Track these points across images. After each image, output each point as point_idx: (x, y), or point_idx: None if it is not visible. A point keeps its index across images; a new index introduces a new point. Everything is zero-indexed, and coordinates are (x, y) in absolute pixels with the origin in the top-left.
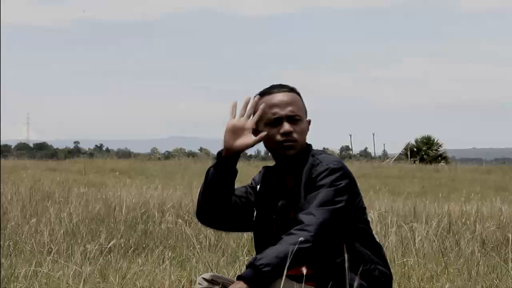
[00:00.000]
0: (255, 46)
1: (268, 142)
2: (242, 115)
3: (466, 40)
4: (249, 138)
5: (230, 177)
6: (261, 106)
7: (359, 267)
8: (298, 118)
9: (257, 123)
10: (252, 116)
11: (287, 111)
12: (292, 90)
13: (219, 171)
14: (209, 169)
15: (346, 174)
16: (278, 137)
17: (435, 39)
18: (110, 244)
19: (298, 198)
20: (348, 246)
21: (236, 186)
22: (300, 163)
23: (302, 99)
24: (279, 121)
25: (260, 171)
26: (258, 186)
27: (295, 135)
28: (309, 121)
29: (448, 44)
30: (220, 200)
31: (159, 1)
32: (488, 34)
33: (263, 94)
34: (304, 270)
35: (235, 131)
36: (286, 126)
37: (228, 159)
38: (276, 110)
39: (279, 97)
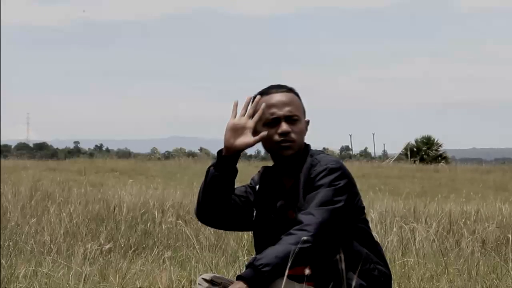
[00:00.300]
0: (255, 46)
1: (266, 142)
2: (243, 115)
3: (466, 40)
4: (249, 137)
5: (230, 176)
6: (262, 106)
7: (359, 266)
8: (296, 118)
9: (256, 123)
10: (253, 116)
11: (285, 111)
12: (290, 90)
13: (219, 170)
14: (209, 168)
15: (345, 174)
16: (276, 137)
17: (435, 39)
18: (107, 246)
19: (297, 198)
20: (347, 245)
21: (235, 186)
22: (298, 163)
23: (300, 99)
24: (277, 121)
25: (259, 171)
26: (257, 186)
27: (293, 135)
28: (308, 121)
29: (448, 44)
30: (219, 199)
31: (159, 1)
32: (489, 34)
33: (261, 94)
34: (307, 271)
35: (235, 130)
36: (284, 126)
37: (228, 158)
38: (274, 110)
39: (277, 97)
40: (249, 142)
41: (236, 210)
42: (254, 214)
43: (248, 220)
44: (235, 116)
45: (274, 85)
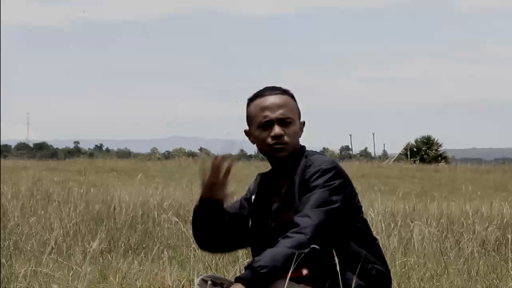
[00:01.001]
0: (255, 46)
1: (260, 145)
2: (214, 172)
3: (466, 40)
4: (225, 192)
5: (216, 216)
6: (230, 163)
7: (356, 267)
8: (289, 121)
9: (250, 126)
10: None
11: (277, 114)
12: (285, 92)
13: (203, 213)
14: (194, 209)
15: (339, 173)
16: (269, 140)
17: (435, 39)
18: (94, 245)
19: (292, 200)
20: (344, 246)
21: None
22: (293, 165)
23: (295, 101)
24: (270, 124)
25: (255, 179)
26: (253, 196)
27: (286, 138)
28: (303, 123)
29: (448, 44)
30: (211, 233)
31: (159, 1)
32: (489, 34)
33: (256, 96)
34: (305, 271)
35: (210, 189)
36: (277, 129)
37: (209, 205)
38: (267, 113)
39: (271, 99)
40: (226, 196)
41: (232, 232)
42: (250, 223)
43: (245, 236)
44: (205, 176)
45: (269, 87)
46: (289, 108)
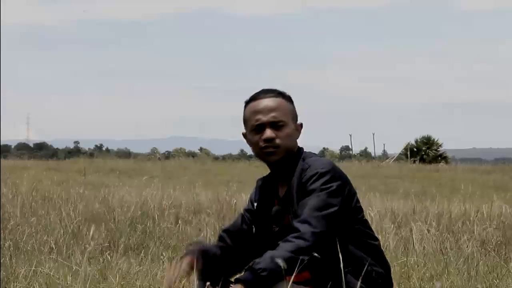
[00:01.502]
0: (256, 46)
1: (254, 148)
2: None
3: (466, 40)
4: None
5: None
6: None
7: (355, 269)
8: (281, 124)
9: (246, 128)
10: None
11: (269, 117)
12: (279, 94)
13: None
14: None
15: (335, 176)
16: (261, 144)
17: (435, 39)
18: (90, 248)
19: (291, 203)
20: (343, 248)
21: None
22: (290, 168)
23: (292, 103)
24: (262, 127)
25: (256, 185)
26: (256, 203)
27: (277, 141)
28: (301, 125)
29: (449, 44)
30: (218, 270)
31: (159, 1)
32: (489, 34)
33: (251, 99)
34: (306, 275)
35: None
36: (268, 133)
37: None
38: (259, 116)
39: (264, 102)
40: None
41: (239, 253)
42: (254, 230)
43: (252, 249)
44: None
45: (265, 90)
46: (282, 111)
